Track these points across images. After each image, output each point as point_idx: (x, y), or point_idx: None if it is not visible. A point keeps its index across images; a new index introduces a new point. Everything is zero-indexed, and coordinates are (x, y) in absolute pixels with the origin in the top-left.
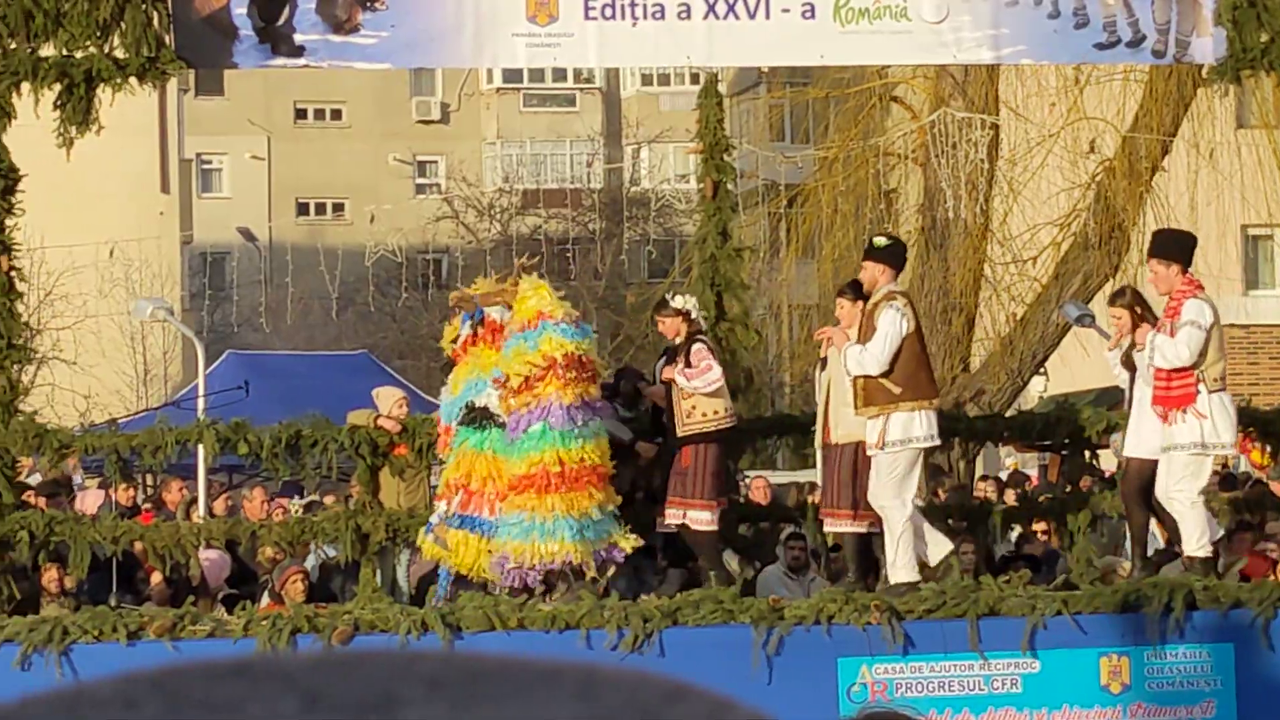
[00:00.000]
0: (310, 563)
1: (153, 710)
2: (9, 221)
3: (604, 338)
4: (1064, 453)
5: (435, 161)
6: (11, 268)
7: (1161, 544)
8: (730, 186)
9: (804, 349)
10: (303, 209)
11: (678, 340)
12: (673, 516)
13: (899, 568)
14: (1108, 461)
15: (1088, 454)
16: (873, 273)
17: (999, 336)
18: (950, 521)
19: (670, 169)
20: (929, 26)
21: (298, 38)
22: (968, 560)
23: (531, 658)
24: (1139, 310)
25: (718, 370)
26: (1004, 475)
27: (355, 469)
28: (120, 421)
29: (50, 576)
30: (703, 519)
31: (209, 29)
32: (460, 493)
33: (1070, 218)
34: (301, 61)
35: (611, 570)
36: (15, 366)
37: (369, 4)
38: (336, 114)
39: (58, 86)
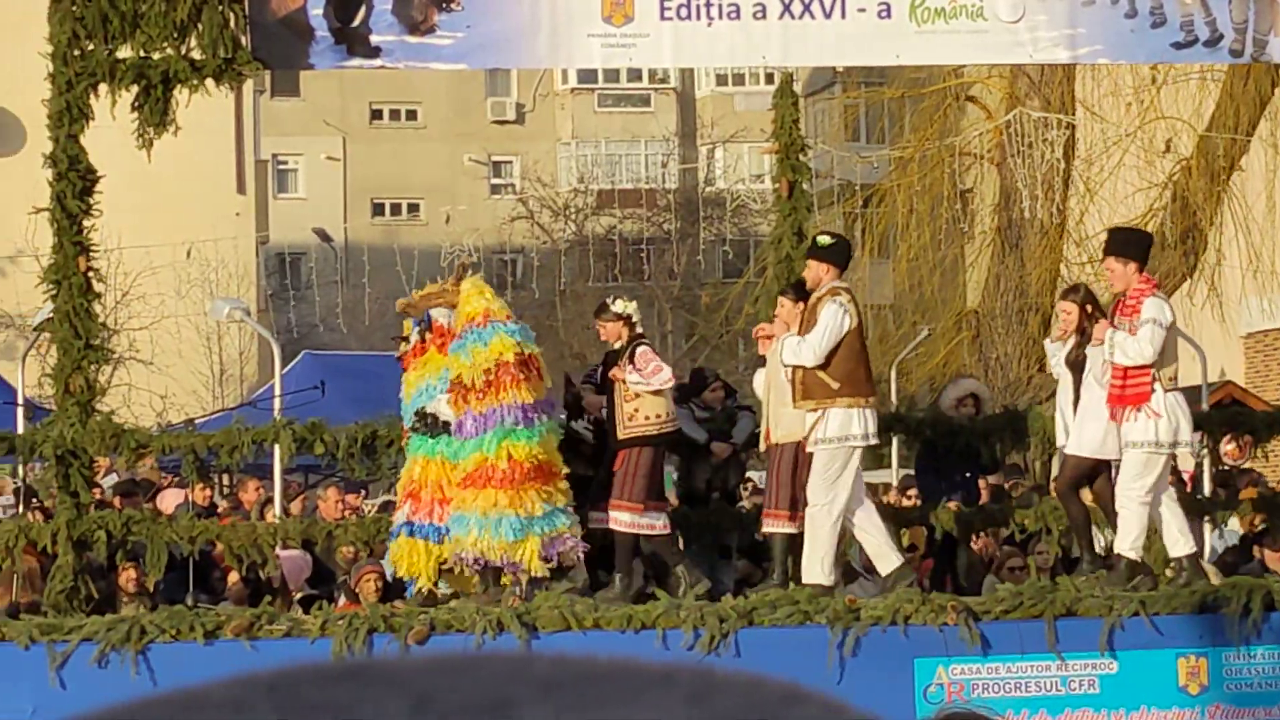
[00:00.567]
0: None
1: (266, 712)
2: (87, 222)
3: (679, 338)
4: None
5: (510, 162)
6: (89, 268)
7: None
8: (805, 186)
9: (879, 349)
10: (378, 209)
11: (619, 344)
12: (599, 519)
13: (813, 568)
14: (1185, 462)
15: None
16: (817, 271)
17: None
18: (1027, 522)
19: (745, 169)
20: (1005, 26)
21: (374, 39)
22: (1044, 560)
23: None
24: (1089, 309)
25: (668, 371)
26: None
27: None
28: (197, 421)
29: (128, 576)
30: (623, 520)
31: (285, 30)
32: (410, 500)
33: (1147, 217)
34: (377, 62)
35: (573, 563)
36: (93, 367)
37: (445, 5)
38: (412, 114)
39: (135, 88)
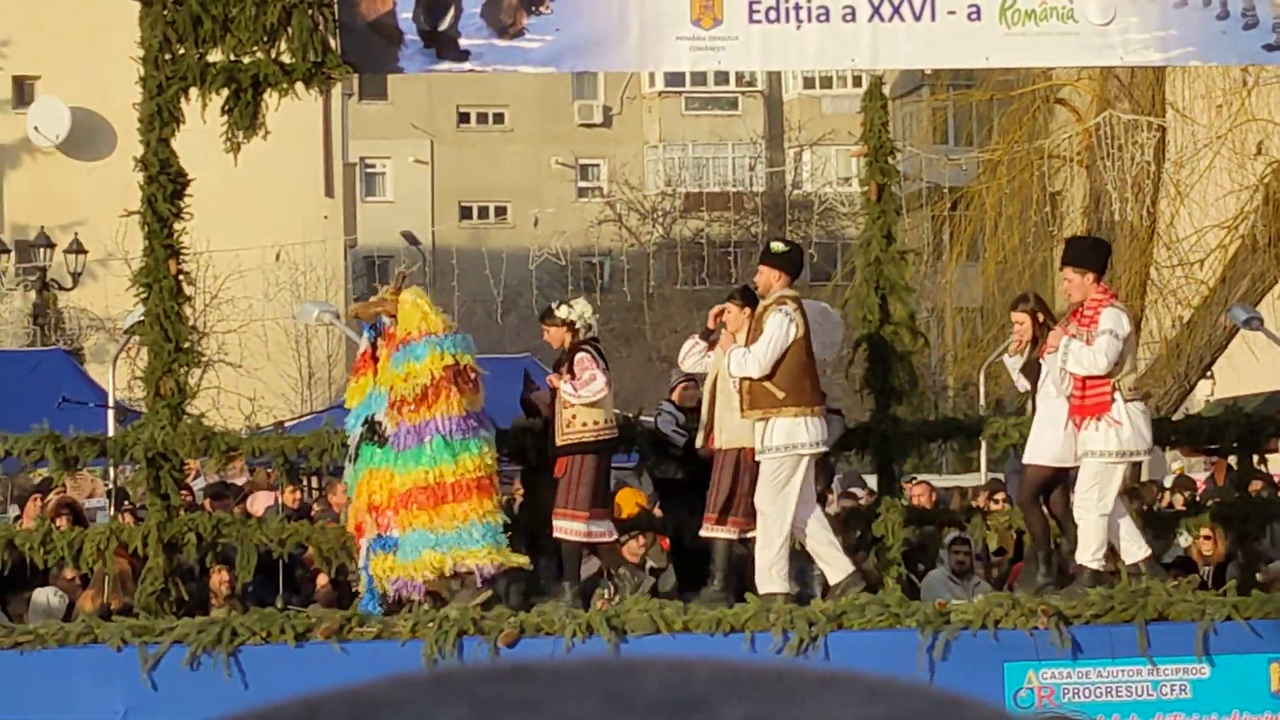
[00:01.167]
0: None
1: (448, 711)
2: (178, 226)
3: None
4: (1231, 457)
5: (597, 165)
6: (179, 271)
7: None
8: (894, 190)
9: (968, 353)
10: (465, 212)
11: (564, 349)
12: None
13: (767, 577)
14: (1276, 465)
15: (1256, 458)
16: (767, 278)
17: (1165, 340)
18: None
19: (832, 172)
20: (1095, 28)
21: (463, 42)
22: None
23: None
24: (1041, 316)
25: (601, 380)
26: (1170, 480)
27: (519, 471)
28: (287, 424)
29: (219, 579)
30: (572, 529)
31: (374, 34)
32: (373, 514)
33: (1238, 220)
34: (466, 66)
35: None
36: (183, 370)
37: (534, 8)
38: (499, 117)
39: (225, 92)
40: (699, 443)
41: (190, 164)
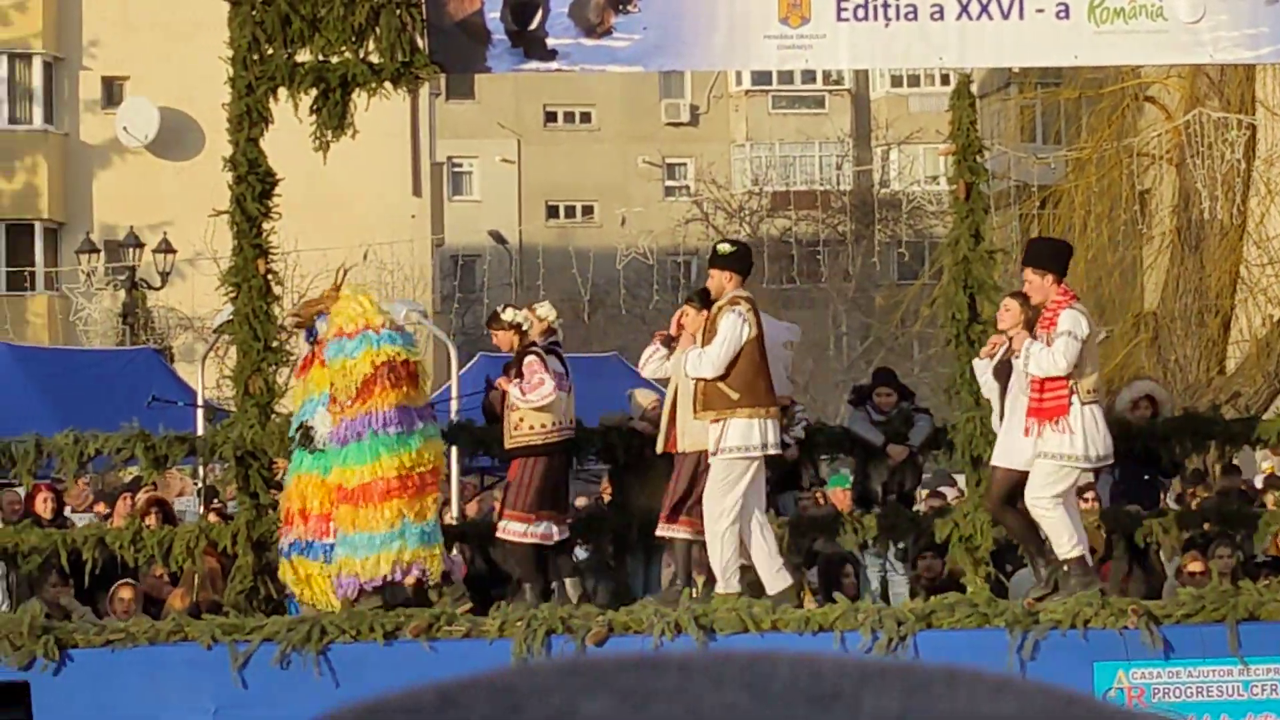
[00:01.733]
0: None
1: (593, 701)
2: (266, 225)
3: (853, 339)
4: None
5: (684, 164)
6: (269, 271)
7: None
8: (983, 188)
9: None
10: (552, 212)
11: (513, 353)
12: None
13: (722, 578)
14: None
15: None
16: (719, 280)
17: (1255, 339)
18: (1206, 526)
19: (920, 170)
20: (1184, 26)
21: (550, 42)
22: (1225, 564)
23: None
24: (1029, 316)
25: (549, 385)
26: (1260, 479)
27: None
28: None
29: None
30: (514, 530)
31: (462, 33)
32: (299, 519)
33: None
34: (554, 65)
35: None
36: (271, 368)
37: (622, 7)
38: (586, 117)
39: (314, 91)
40: (660, 447)
41: (278, 163)
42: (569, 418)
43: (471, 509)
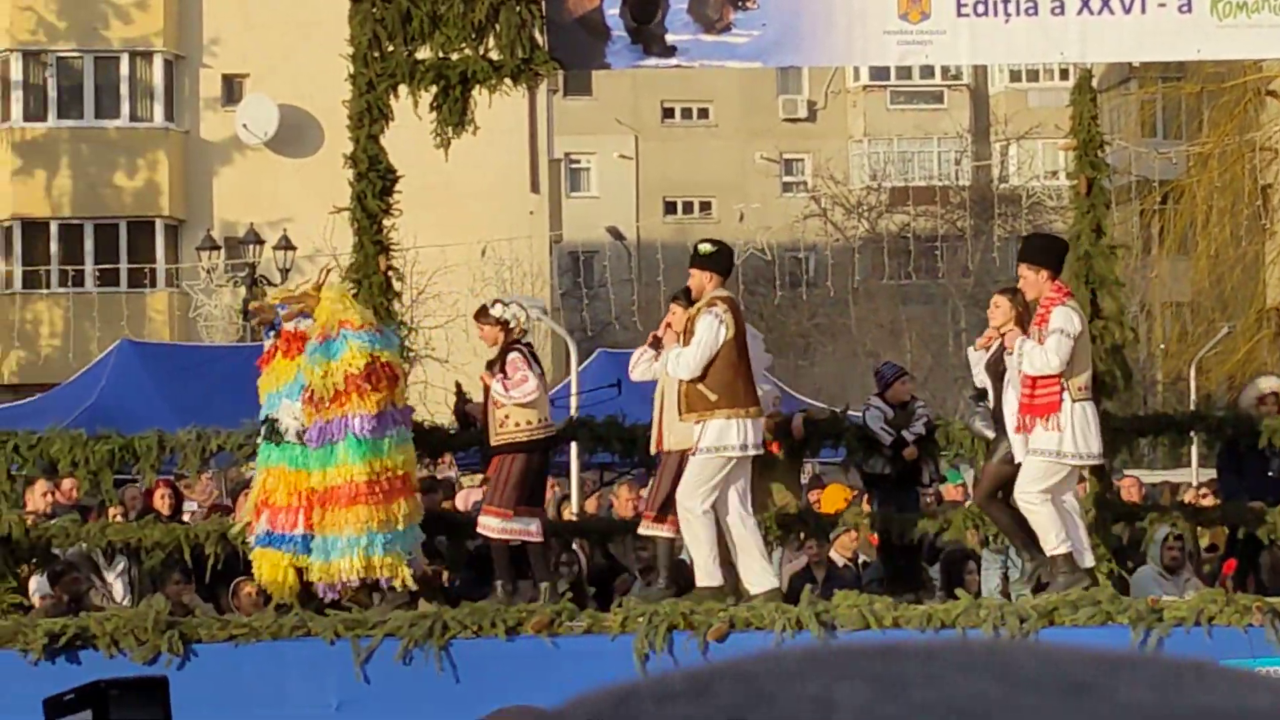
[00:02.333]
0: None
1: (844, 688)
2: (386, 222)
3: (973, 335)
4: None
5: (802, 159)
6: (389, 267)
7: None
8: (1104, 183)
9: (1178, 348)
10: (670, 208)
11: (497, 348)
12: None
13: (703, 573)
14: None
15: None
16: (699, 280)
17: None
18: None
19: (1040, 165)
20: None
21: (669, 38)
22: None
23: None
24: (1020, 312)
25: (533, 382)
26: None
27: None
28: None
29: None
30: (491, 525)
31: (581, 30)
32: (266, 511)
33: None
34: (673, 61)
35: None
36: None
37: (741, 3)
38: (704, 113)
39: (434, 88)
40: (652, 448)
41: (398, 160)
42: (548, 416)
43: (591, 505)
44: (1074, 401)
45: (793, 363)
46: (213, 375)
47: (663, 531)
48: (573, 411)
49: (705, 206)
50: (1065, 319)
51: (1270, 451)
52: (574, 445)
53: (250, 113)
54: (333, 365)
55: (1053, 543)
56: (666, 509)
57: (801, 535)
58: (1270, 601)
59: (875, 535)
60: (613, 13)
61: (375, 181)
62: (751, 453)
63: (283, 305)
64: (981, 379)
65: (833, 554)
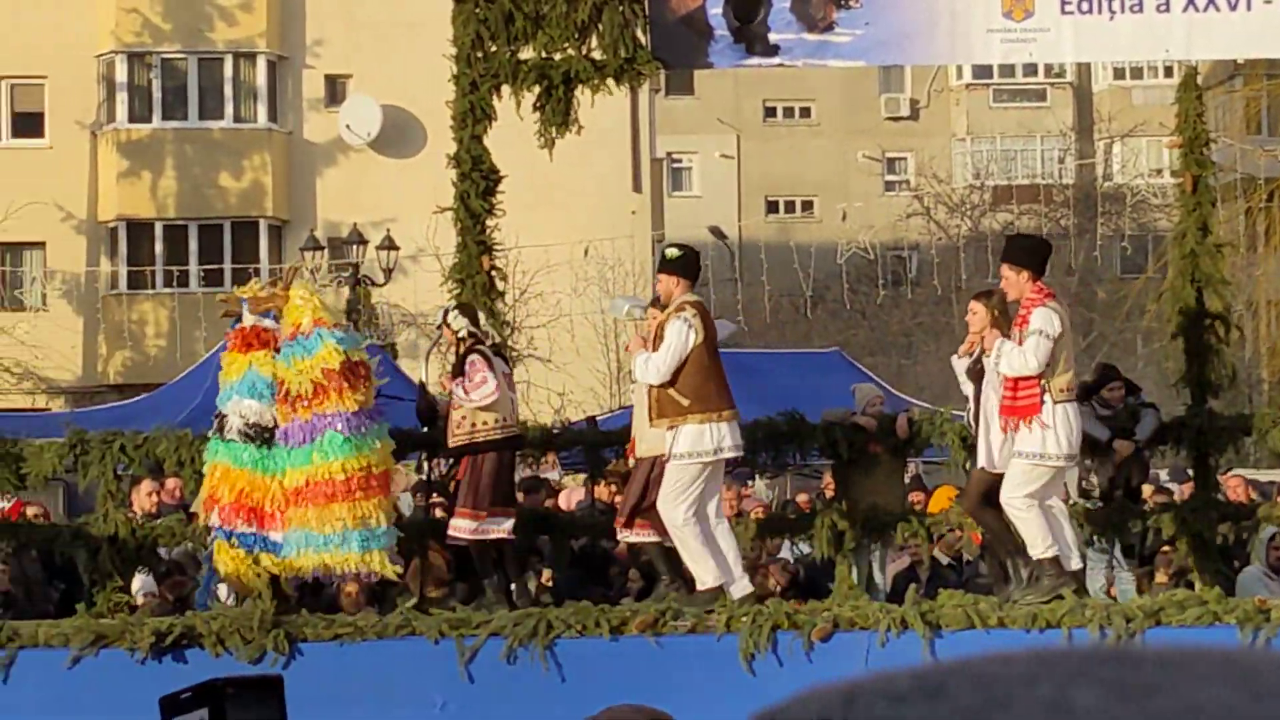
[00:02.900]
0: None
1: (1082, 692)
2: (490, 222)
3: (1077, 334)
4: None
5: (904, 158)
6: (492, 267)
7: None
8: (1209, 181)
9: None
10: (772, 207)
11: (459, 352)
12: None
13: (701, 574)
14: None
15: None
16: (667, 285)
17: None
18: None
19: (1144, 163)
20: None
21: (772, 37)
22: None
23: None
24: (996, 314)
25: (491, 384)
26: None
27: (829, 467)
28: (599, 419)
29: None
30: (462, 527)
31: (684, 29)
32: (216, 506)
33: None
34: (776, 61)
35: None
36: None
37: (844, 2)
38: (805, 112)
39: (537, 88)
40: (627, 453)
41: (500, 160)
42: (514, 416)
43: None
44: (1055, 403)
45: (895, 362)
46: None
47: (646, 536)
48: None
49: (807, 205)
50: (1045, 320)
51: None
52: None
53: (353, 113)
54: (308, 363)
55: (1040, 547)
56: (636, 515)
57: (904, 535)
58: None
59: (978, 534)
60: (715, 12)
61: (479, 181)
62: (727, 455)
63: (245, 301)
64: (967, 387)
65: (936, 553)
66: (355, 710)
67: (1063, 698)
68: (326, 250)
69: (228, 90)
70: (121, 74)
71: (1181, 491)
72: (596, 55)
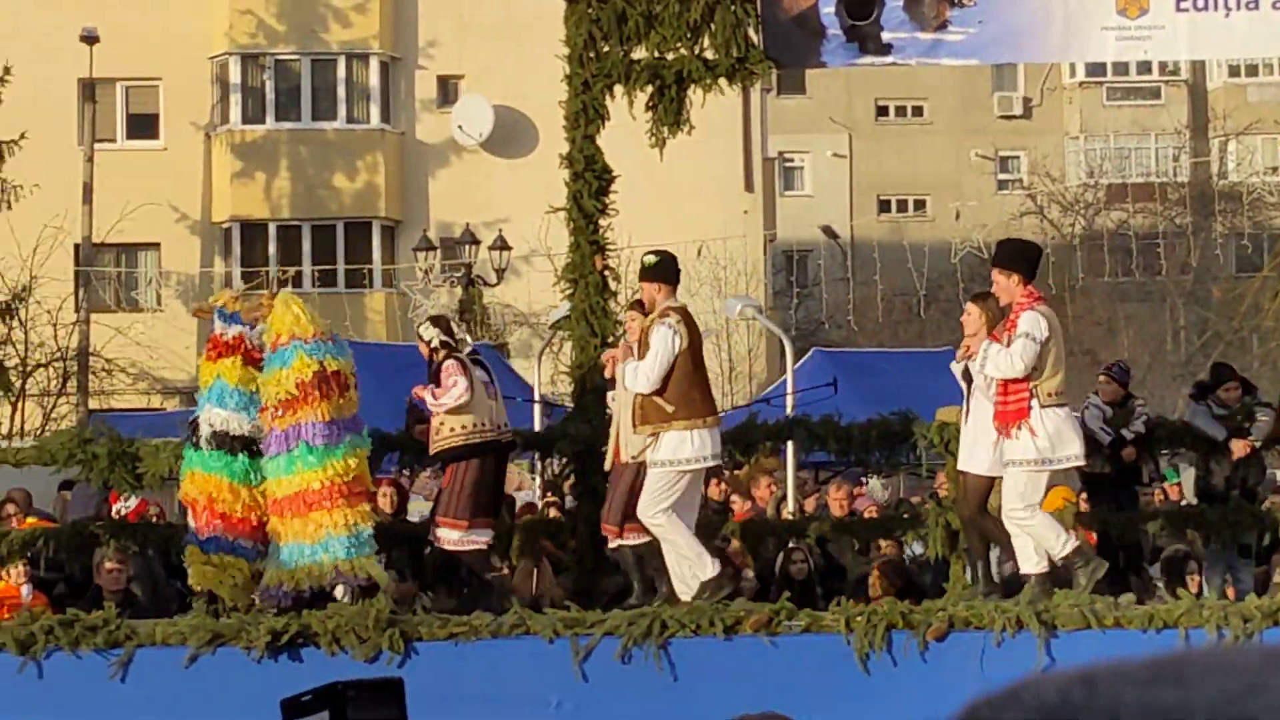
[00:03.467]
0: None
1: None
2: (602, 221)
3: (1191, 334)
4: None
5: (1017, 156)
6: (605, 266)
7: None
8: None
9: None
10: (884, 206)
11: (434, 361)
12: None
13: (697, 571)
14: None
15: None
16: (649, 293)
17: None
18: None
19: (1259, 161)
20: None
21: (885, 35)
22: None
23: None
24: (992, 317)
25: (461, 386)
26: None
27: (943, 466)
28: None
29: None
30: (450, 538)
31: (797, 29)
32: (191, 511)
33: None
34: (889, 60)
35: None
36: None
37: (957, 1)
38: (918, 110)
39: (649, 88)
40: (609, 459)
41: (612, 160)
42: (496, 422)
43: (810, 504)
44: (1044, 407)
45: None
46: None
47: (635, 539)
48: (788, 410)
49: (919, 204)
50: (1033, 323)
51: None
52: (789, 445)
53: (465, 114)
54: (283, 374)
55: (1058, 547)
56: (623, 519)
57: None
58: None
59: (1093, 534)
60: (828, 11)
61: (591, 181)
62: (710, 463)
63: (222, 308)
64: (964, 390)
65: None
66: (470, 709)
67: None
68: (439, 250)
69: (341, 91)
70: (235, 75)
71: None
72: (709, 55)
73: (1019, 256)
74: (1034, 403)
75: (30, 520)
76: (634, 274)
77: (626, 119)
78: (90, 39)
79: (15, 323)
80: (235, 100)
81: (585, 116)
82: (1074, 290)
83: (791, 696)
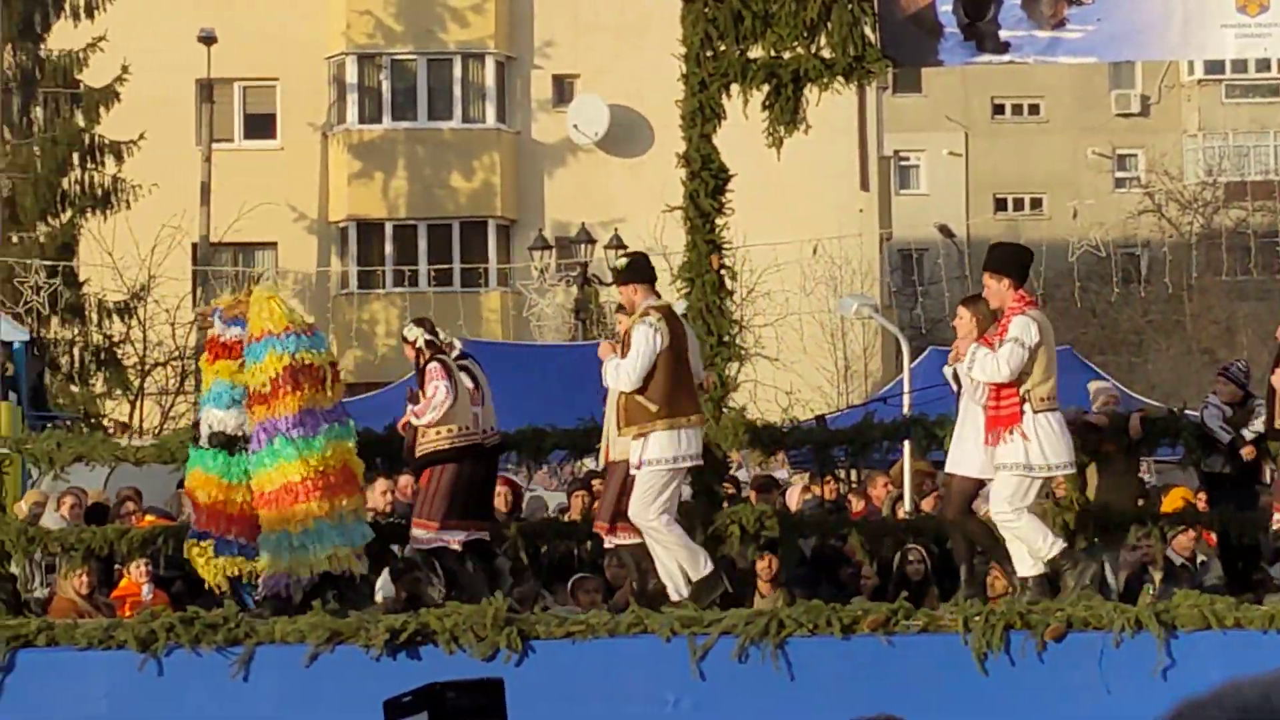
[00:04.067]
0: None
1: None
2: (719, 220)
3: None
4: None
5: (1135, 155)
6: (722, 265)
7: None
8: None
9: None
10: (1000, 205)
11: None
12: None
13: (691, 571)
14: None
15: None
16: (627, 295)
17: None
18: None
19: None
20: None
21: (1002, 34)
22: None
23: None
24: (983, 320)
25: (442, 393)
26: None
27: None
28: (828, 417)
29: (761, 567)
30: (421, 537)
31: (913, 27)
32: (194, 510)
33: None
34: (1006, 58)
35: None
36: (724, 363)
37: None
38: (1034, 109)
39: (765, 87)
40: (600, 459)
41: (728, 158)
42: (480, 426)
43: (928, 504)
44: (1035, 412)
45: (1126, 360)
46: (547, 373)
47: (628, 539)
48: (906, 409)
49: (1036, 203)
50: (1023, 328)
51: None
52: (906, 444)
53: (581, 113)
54: (257, 368)
55: (1044, 549)
56: (617, 518)
57: (1136, 535)
58: None
59: (1212, 534)
60: (945, 9)
61: (708, 180)
62: (697, 462)
63: (218, 310)
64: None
65: (1170, 553)
66: (588, 707)
67: None
68: (555, 250)
69: (457, 91)
70: (352, 75)
71: None
72: (825, 54)
73: (1011, 260)
74: (1026, 408)
75: (149, 518)
76: (750, 272)
77: (741, 118)
78: (208, 39)
79: (134, 322)
80: (352, 100)
81: (701, 115)
82: (1191, 289)
83: (908, 696)
